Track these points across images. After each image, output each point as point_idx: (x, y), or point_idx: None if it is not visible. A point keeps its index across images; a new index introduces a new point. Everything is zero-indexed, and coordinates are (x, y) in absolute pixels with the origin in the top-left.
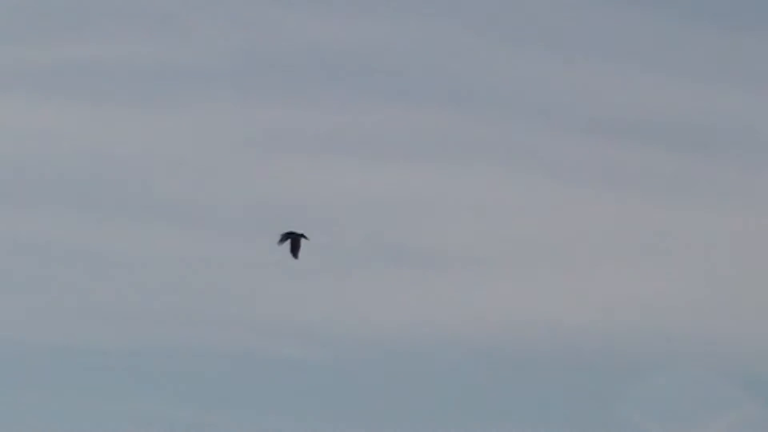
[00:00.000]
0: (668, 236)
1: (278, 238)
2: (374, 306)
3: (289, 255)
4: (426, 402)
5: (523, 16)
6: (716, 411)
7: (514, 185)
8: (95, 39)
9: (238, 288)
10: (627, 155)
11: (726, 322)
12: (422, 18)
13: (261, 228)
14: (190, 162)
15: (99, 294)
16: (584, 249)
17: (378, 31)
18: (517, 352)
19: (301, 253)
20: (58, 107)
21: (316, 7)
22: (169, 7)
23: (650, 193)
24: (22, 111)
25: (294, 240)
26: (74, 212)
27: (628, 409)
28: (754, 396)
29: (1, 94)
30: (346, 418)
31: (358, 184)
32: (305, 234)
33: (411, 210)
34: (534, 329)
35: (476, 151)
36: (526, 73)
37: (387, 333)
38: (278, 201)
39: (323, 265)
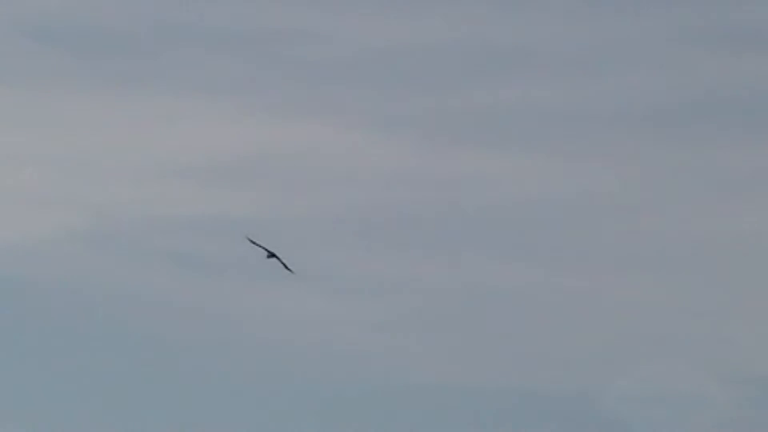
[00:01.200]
0: None
1: (266, 253)
2: None
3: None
4: None
5: None
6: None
7: None
8: (514, 84)
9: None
10: None
11: None
12: None
13: (711, 269)
14: (625, 204)
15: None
16: None
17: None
18: None
19: None
20: (480, 154)
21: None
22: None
23: None
24: (446, 158)
25: (274, 257)
26: (510, 256)
27: None
28: None
29: (423, 141)
30: None
31: None
32: (277, 255)
33: None
34: None
35: None
36: None
37: None
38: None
39: None
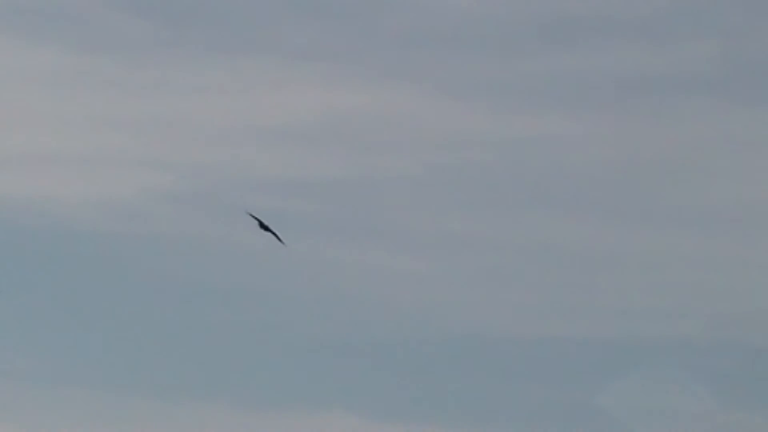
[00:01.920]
0: None
1: (257, 222)
2: None
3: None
4: None
5: None
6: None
7: None
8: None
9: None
10: None
11: None
12: None
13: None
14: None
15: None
16: None
17: None
18: None
19: None
20: (546, 118)
21: None
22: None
23: None
24: (513, 121)
25: (268, 229)
26: (596, 217)
27: None
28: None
29: (492, 105)
30: None
31: None
32: (270, 228)
33: None
34: None
35: None
36: None
37: None
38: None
39: None
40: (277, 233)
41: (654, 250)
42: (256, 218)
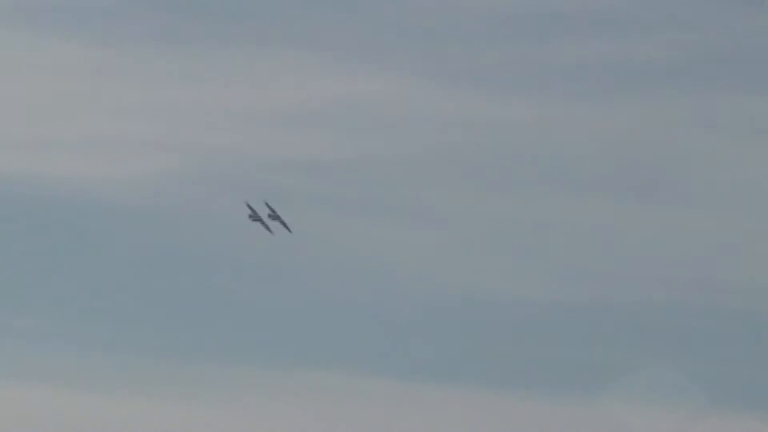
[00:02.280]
0: None
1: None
2: None
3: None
4: None
5: None
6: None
7: None
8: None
9: None
10: None
11: None
12: None
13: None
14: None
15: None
16: None
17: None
18: None
19: None
20: (543, 105)
21: None
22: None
23: None
24: (509, 107)
25: (278, 218)
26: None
27: None
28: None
29: (491, 92)
30: None
31: None
32: (280, 217)
33: None
34: None
35: None
36: None
37: None
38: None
39: None
40: (286, 222)
41: (656, 226)
42: (269, 207)
